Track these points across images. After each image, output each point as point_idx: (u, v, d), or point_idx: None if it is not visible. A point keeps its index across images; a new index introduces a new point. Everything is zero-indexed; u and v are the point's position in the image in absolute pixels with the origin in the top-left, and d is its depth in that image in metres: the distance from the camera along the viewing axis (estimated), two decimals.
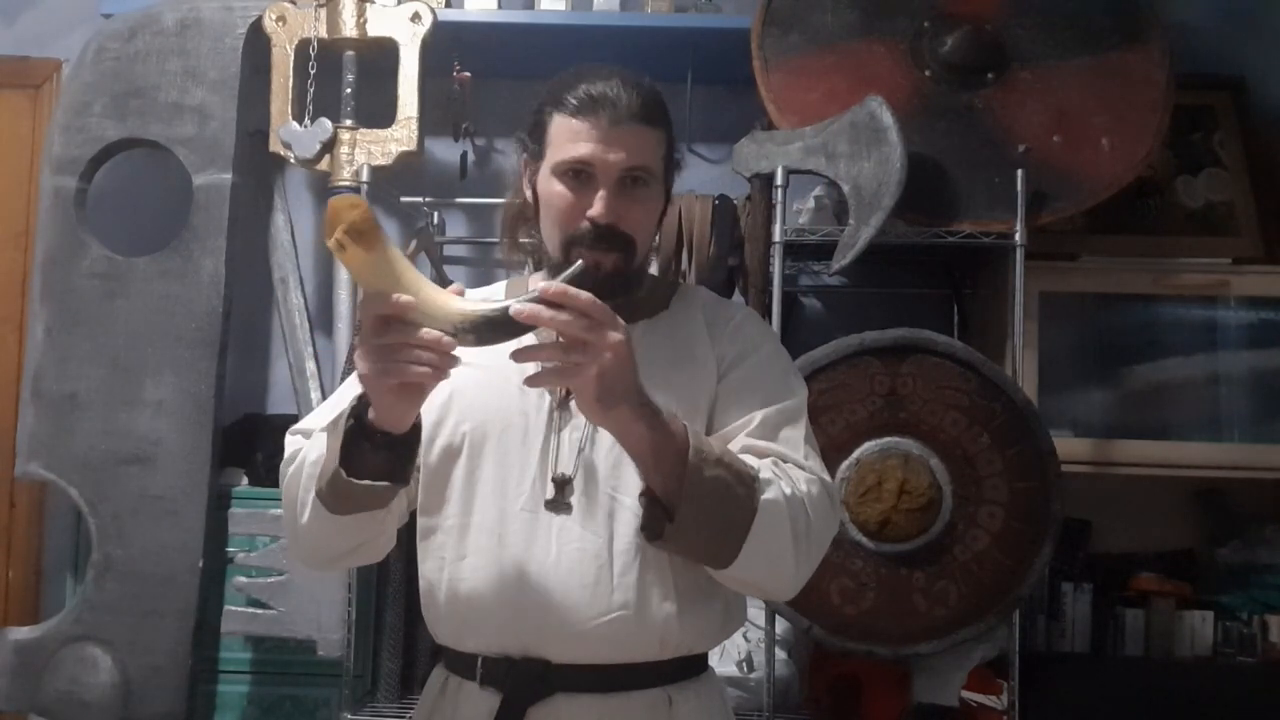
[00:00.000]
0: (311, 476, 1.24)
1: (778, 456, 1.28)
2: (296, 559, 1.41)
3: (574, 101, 1.31)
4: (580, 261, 1.15)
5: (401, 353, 1.09)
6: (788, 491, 1.23)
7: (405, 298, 1.09)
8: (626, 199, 1.31)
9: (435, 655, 1.41)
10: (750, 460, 1.25)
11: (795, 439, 1.31)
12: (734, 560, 1.21)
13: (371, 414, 1.16)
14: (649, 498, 1.21)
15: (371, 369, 1.11)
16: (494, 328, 1.11)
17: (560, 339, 1.11)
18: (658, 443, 1.18)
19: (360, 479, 1.17)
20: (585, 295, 1.10)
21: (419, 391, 1.14)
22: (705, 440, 1.22)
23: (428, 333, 1.09)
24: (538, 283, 1.40)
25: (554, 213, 1.33)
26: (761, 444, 1.28)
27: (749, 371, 1.35)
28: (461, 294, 1.15)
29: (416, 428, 1.20)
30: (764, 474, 1.23)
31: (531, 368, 1.15)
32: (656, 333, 1.37)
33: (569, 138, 1.30)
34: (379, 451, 1.18)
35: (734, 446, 1.28)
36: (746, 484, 1.20)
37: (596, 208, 1.29)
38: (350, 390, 1.31)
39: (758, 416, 1.30)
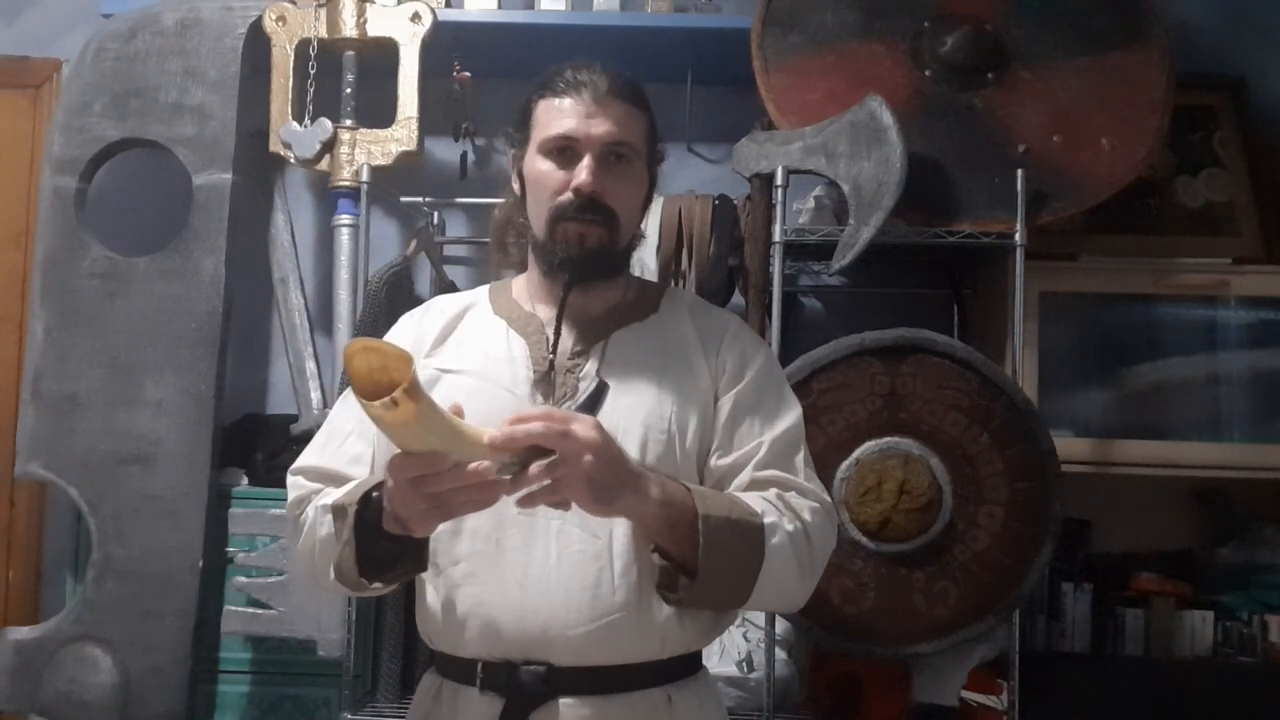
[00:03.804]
0: (326, 554, 1.26)
1: (781, 486, 1.32)
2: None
3: (558, 84, 1.34)
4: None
5: (452, 495, 1.11)
6: (790, 529, 1.27)
7: (442, 456, 1.09)
8: (610, 173, 1.33)
9: (432, 658, 1.40)
10: (753, 500, 1.28)
11: (797, 464, 1.35)
12: (745, 601, 1.27)
13: (389, 523, 1.18)
14: (661, 555, 1.24)
15: (419, 513, 1.13)
16: (535, 456, 1.11)
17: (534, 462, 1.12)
18: (671, 517, 1.21)
19: (376, 568, 1.22)
20: (538, 411, 1.11)
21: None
22: (707, 498, 1.24)
23: (473, 473, 1.09)
24: (521, 289, 1.43)
25: (540, 189, 1.35)
26: (766, 474, 1.32)
27: (749, 390, 1.37)
28: (460, 414, 1.12)
29: None
30: (769, 517, 1.26)
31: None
32: (648, 335, 1.39)
33: (553, 116, 1.33)
34: (396, 544, 1.22)
35: (743, 478, 1.32)
36: (754, 534, 1.24)
37: (581, 176, 1.31)
38: (345, 414, 1.36)
39: (764, 444, 1.33)
